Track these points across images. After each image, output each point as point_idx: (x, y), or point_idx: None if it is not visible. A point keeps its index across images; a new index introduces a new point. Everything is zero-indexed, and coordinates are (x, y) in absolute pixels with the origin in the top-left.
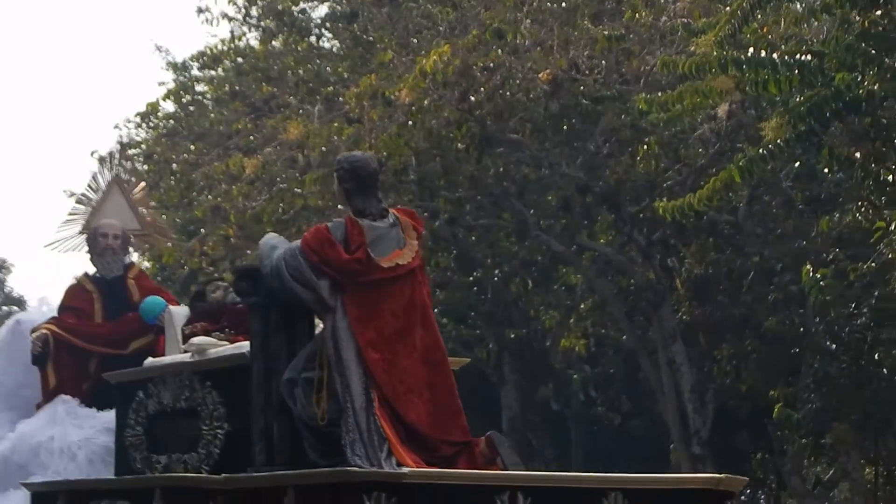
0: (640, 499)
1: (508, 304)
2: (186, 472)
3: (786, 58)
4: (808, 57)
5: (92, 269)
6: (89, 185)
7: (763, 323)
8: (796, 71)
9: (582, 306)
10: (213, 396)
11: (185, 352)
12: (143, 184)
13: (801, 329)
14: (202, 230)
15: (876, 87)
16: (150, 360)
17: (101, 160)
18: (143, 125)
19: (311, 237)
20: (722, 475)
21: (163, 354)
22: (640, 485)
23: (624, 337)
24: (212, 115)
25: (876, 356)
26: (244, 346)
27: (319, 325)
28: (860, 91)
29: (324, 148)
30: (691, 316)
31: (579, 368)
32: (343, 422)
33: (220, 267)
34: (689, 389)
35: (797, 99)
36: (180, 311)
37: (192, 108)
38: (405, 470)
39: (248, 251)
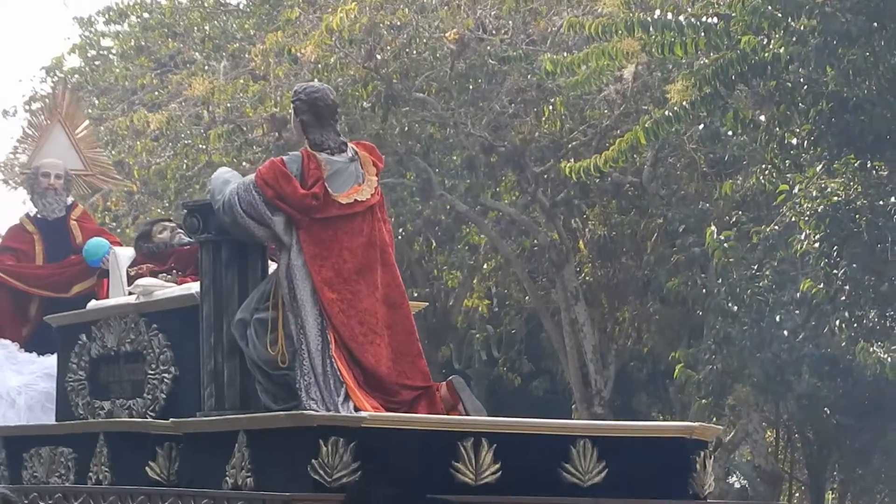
0: (610, 447)
1: (412, 263)
2: (131, 418)
3: (692, 20)
4: (714, 19)
5: (34, 210)
6: (30, 123)
7: (665, 284)
8: (702, 33)
9: (485, 266)
10: (159, 340)
11: (131, 294)
12: (86, 122)
13: (704, 291)
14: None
15: (781, 51)
16: (93, 303)
17: (44, 97)
18: (49, 79)
19: (266, 171)
20: (695, 423)
21: (106, 298)
22: (610, 432)
23: (527, 297)
24: (117, 70)
25: (777, 318)
26: (192, 287)
27: (273, 265)
28: (765, 54)
29: (229, 104)
30: (594, 277)
31: (481, 328)
32: (297, 364)
33: (122, 223)
34: (591, 350)
35: (703, 61)
36: (125, 253)
37: (97, 62)
38: (364, 414)
39: (152, 207)
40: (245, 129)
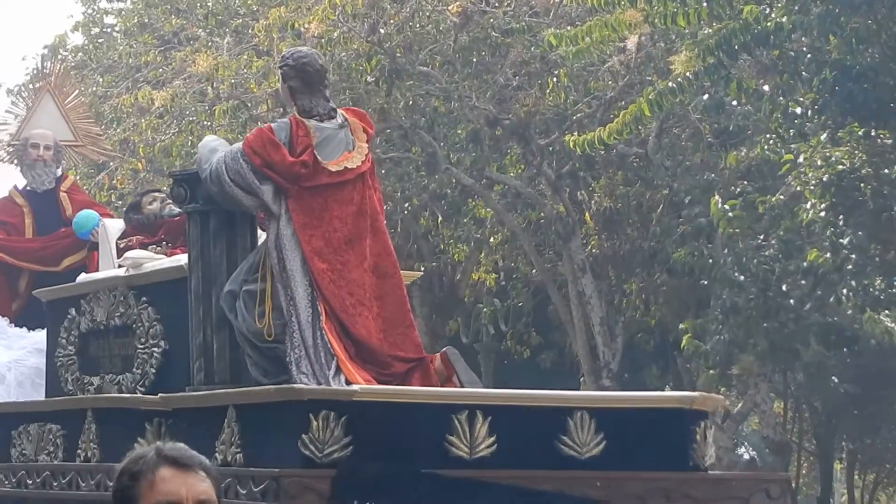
0: (608, 418)
1: (418, 237)
2: (120, 394)
3: None
4: None
5: (23, 182)
6: (20, 94)
7: (672, 255)
8: (704, 3)
9: (491, 240)
10: (148, 313)
11: (120, 266)
12: (76, 92)
13: (710, 261)
14: (111, 163)
15: (784, 20)
16: (83, 276)
17: (34, 73)
18: (52, 57)
19: (254, 138)
20: (696, 394)
21: (97, 271)
22: (609, 403)
23: (533, 270)
24: (120, 47)
25: (783, 288)
26: (182, 259)
27: (262, 235)
28: (768, 24)
29: (233, 80)
30: (601, 249)
31: (489, 302)
32: (288, 337)
33: (128, 201)
34: (599, 322)
35: (706, 32)
36: (115, 225)
37: (100, 40)
38: (355, 387)
39: (158, 185)
40: (249, 105)
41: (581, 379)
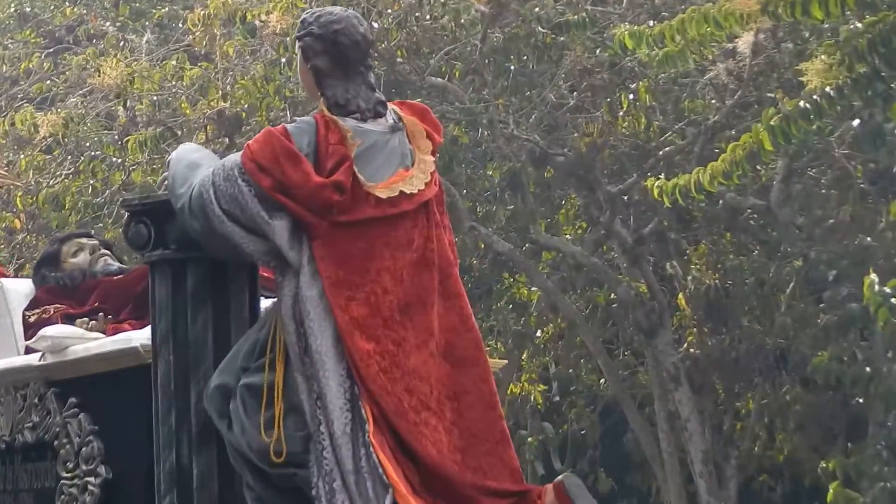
0: None
1: None
2: None
3: None
4: None
5: None
6: None
7: (809, 359)
8: None
9: (539, 334)
10: (80, 422)
11: (30, 351)
12: None
13: (867, 368)
14: None
15: None
16: None
17: None
18: None
19: (261, 146)
20: None
21: None
22: None
23: (602, 380)
24: None
25: None
26: (133, 337)
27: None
28: None
29: (155, 97)
30: (702, 348)
31: (534, 428)
32: (313, 457)
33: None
34: (701, 459)
35: (853, 27)
36: (18, 288)
37: None
38: None
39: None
40: (180, 133)
41: None
